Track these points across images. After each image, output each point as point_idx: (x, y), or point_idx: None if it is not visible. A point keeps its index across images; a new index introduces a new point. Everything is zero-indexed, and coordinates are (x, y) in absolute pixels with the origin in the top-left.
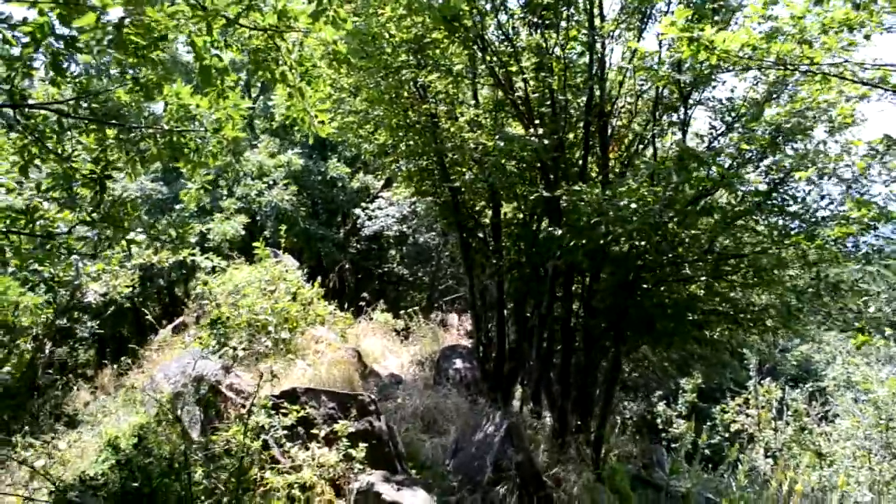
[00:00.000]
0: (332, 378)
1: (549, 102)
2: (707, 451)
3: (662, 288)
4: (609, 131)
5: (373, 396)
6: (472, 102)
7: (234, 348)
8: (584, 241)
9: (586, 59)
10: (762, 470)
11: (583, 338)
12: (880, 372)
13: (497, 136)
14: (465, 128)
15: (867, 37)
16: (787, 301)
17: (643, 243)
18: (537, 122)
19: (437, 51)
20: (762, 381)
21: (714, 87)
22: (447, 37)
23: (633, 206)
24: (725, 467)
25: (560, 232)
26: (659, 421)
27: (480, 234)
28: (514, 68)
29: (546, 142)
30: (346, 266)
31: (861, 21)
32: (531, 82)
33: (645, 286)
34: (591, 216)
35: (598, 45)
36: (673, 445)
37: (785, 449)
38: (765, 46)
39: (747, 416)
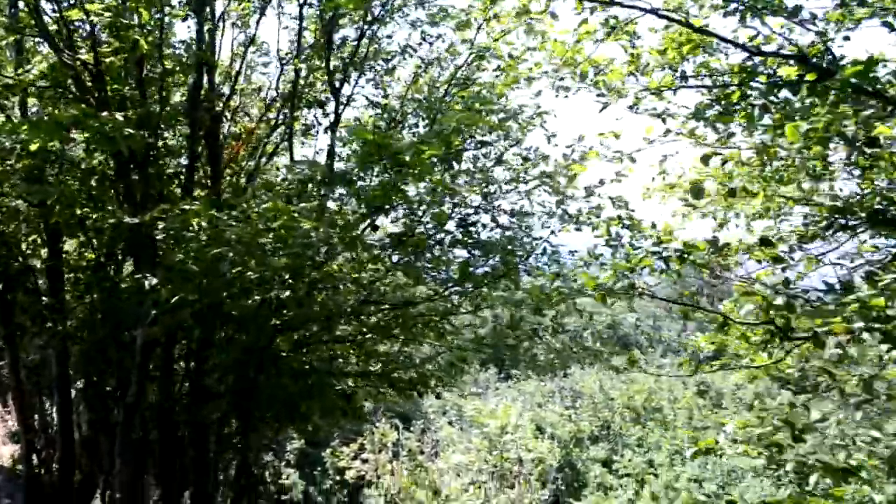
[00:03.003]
0: None
1: (135, 81)
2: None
3: (305, 351)
4: (222, 136)
5: None
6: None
7: None
8: (196, 295)
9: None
10: None
11: (192, 431)
12: (487, 403)
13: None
14: None
15: None
16: (461, 355)
17: (285, 293)
18: (111, 104)
19: None
20: (377, 424)
21: (374, 75)
22: None
23: (282, 232)
24: None
25: (155, 281)
26: (267, 474)
27: (31, 283)
28: (76, 14)
29: (128, 131)
30: None
31: None
32: (106, 42)
33: (283, 353)
34: (209, 251)
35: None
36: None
37: (403, 492)
38: None
39: (364, 461)
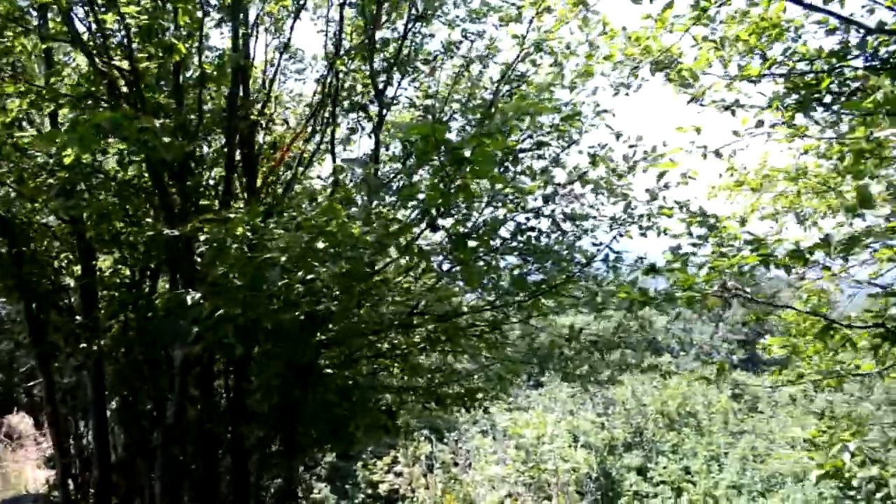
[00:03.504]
0: None
1: (171, 88)
2: None
3: (347, 372)
4: (257, 146)
5: None
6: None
7: None
8: (239, 310)
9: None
10: None
11: (233, 452)
12: (520, 412)
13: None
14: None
15: None
16: (512, 368)
17: (332, 305)
18: (147, 112)
19: None
20: (413, 437)
21: (419, 74)
22: None
23: (336, 237)
24: None
25: (197, 296)
26: (300, 490)
27: (65, 302)
28: (110, 18)
29: (166, 139)
30: None
31: None
32: (140, 48)
33: (328, 371)
34: (257, 258)
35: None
36: None
37: None
38: None
39: (398, 475)
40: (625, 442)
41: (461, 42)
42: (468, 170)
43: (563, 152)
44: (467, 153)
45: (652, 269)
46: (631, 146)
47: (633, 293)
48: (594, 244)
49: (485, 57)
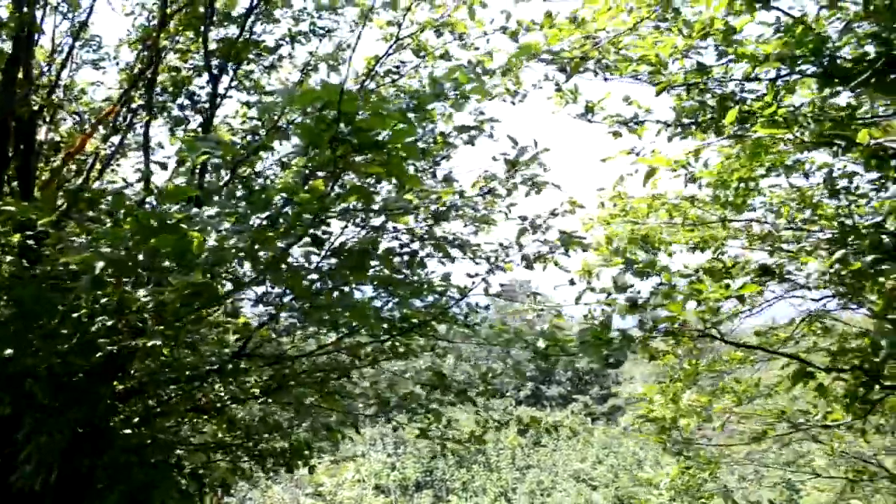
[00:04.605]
0: None
1: None
2: None
3: (145, 429)
4: (38, 143)
5: None
6: None
7: None
8: (9, 352)
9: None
10: None
11: None
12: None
13: None
14: None
15: None
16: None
17: (154, 341)
18: None
19: None
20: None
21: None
22: None
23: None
24: None
25: None
26: None
27: None
28: None
29: None
30: None
31: None
32: None
33: (126, 431)
34: (40, 277)
35: None
36: None
37: None
38: None
39: None
40: (416, 482)
41: (309, 37)
42: (374, 160)
43: (439, 165)
44: (379, 137)
45: (634, 306)
46: (514, 162)
47: (605, 335)
48: (468, 275)
49: (335, 55)
